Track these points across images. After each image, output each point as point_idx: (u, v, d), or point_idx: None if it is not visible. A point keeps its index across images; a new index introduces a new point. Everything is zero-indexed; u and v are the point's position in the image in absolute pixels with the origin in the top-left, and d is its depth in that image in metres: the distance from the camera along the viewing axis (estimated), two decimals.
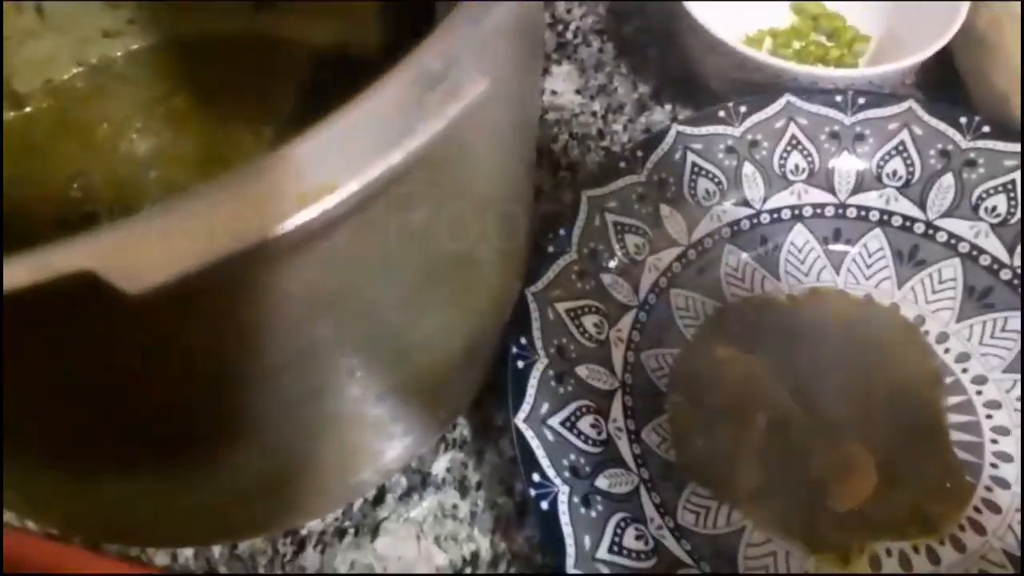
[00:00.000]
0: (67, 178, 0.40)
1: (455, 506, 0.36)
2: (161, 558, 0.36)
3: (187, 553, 0.36)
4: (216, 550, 0.36)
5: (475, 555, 0.35)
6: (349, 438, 0.30)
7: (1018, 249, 0.39)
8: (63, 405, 0.21)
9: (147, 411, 0.22)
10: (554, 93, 0.49)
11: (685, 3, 0.44)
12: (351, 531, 0.36)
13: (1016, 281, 0.38)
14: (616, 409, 0.35)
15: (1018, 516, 0.34)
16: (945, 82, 0.47)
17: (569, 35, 0.52)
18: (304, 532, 0.36)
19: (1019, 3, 0.43)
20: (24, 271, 0.14)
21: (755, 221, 0.41)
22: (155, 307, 0.15)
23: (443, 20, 0.17)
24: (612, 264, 0.38)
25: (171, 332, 0.18)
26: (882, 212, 0.41)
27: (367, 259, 0.20)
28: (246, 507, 0.31)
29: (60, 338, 0.17)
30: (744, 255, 0.40)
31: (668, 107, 0.48)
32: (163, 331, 0.18)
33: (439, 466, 0.37)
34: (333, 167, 0.15)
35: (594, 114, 0.48)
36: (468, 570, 0.35)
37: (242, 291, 0.17)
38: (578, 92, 0.49)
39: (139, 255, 0.14)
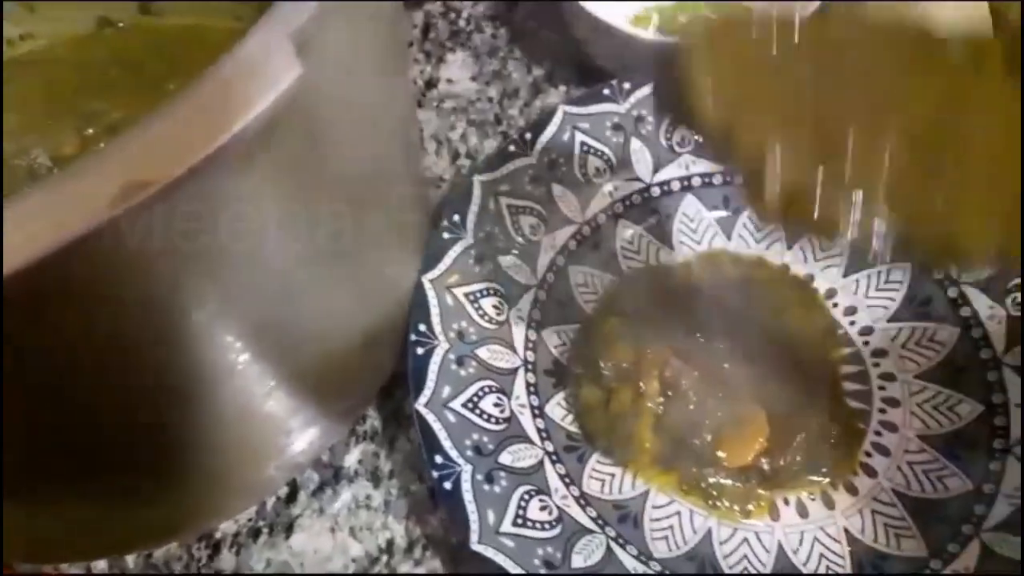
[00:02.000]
0: None
1: (368, 496, 0.37)
2: (75, 571, 0.35)
3: (101, 565, 0.35)
4: (130, 559, 0.35)
5: (390, 543, 0.36)
6: (247, 432, 0.30)
7: None
8: None
9: (22, 419, 0.22)
10: (450, 81, 0.49)
11: None
12: (265, 530, 0.36)
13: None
14: (519, 386, 0.36)
15: (906, 457, 0.36)
16: None
17: (462, 23, 0.52)
18: (219, 535, 0.36)
19: None
20: None
21: (646, 195, 0.42)
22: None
23: (264, 15, 0.17)
24: (508, 246, 0.39)
25: (26, 327, 0.18)
26: None
27: (222, 243, 0.20)
28: (153, 511, 0.32)
29: None
30: (637, 228, 0.41)
31: (562, 89, 0.49)
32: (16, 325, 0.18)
33: (351, 458, 0.38)
34: (148, 163, 0.16)
35: (490, 100, 0.49)
36: (384, 558, 0.35)
37: (89, 280, 0.17)
38: (473, 79, 0.50)
39: None
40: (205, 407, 0.26)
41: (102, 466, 0.27)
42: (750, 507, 0.34)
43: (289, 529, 0.36)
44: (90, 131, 0.42)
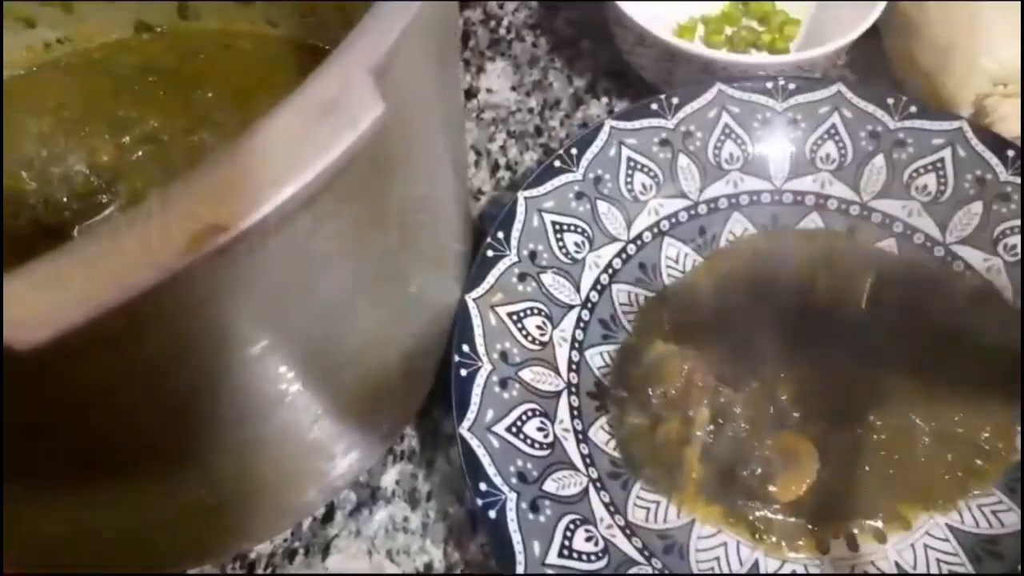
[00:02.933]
0: None
1: (406, 518, 0.36)
2: None
3: None
4: None
5: (428, 566, 0.35)
6: (290, 459, 0.29)
7: (950, 226, 0.39)
8: None
9: (68, 447, 0.22)
10: (489, 91, 0.49)
11: None
12: (301, 551, 0.35)
13: (949, 258, 0.39)
14: (563, 410, 0.35)
15: None
16: (874, 62, 0.47)
17: (502, 31, 0.51)
18: (253, 555, 0.35)
19: None
20: None
21: (693, 212, 0.41)
22: (51, 353, 0.14)
23: (339, 46, 0.17)
24: (552, 264, 0.38)
25: (74, 372, 0.17)
26: (818, 196, 0.41)
27: (284, 279, 0.19)
28: (189, 534, 0.31)
29: None
30: (683, 247, 0.40)
31: (604, 100, 0.48)
32: (65, 372, 0.17)
33: (388, 479, 0.37)
34: (223, 206, 0.15)
35: (531, 111, 0.48)
36: None
37: (144, 324, 0.17)
38: (513, 89, 0.49)
39: (19, 309, 0.14)
40: (253, 437, 0.25)
41: (145, 492, 0.26)
42: (799, 542, 0.33)
43: (325, 550, 0.35)
44: (126, 139, 0.41)
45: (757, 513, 0.33)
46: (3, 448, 0.20)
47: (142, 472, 0.25)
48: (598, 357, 0.38)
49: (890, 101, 0.40)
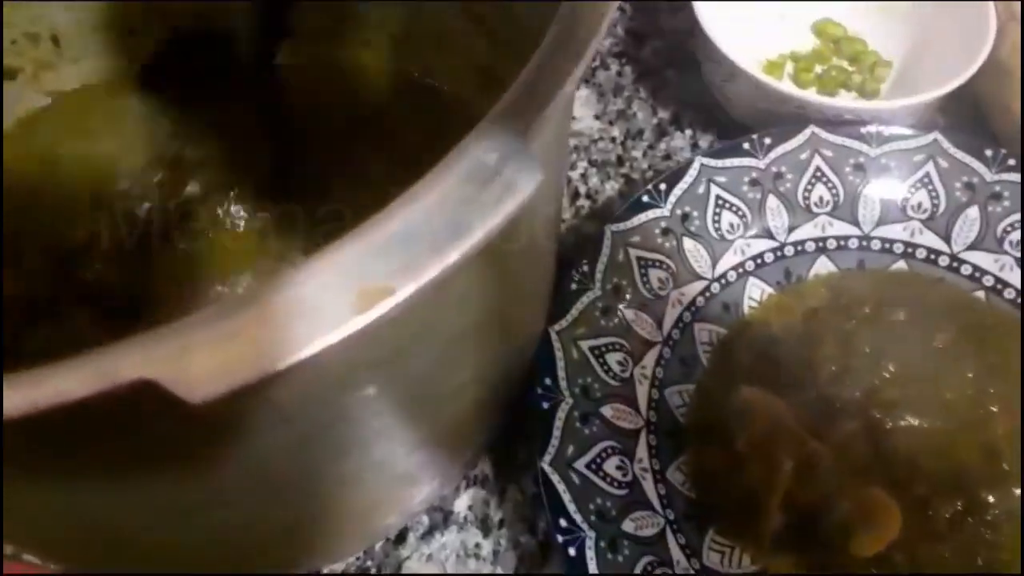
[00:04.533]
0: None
1: (478, 545, 0.36)
2: None
3: None
4: None
5: None
6: (379, 488, 0.29)
7: None
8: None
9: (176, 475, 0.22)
10: (573, 119, 0.49)
11: (705, 28, 0.44)
12: (373, 571, 0.35)
13: None
14: (641, 449, 0.35)
15: None
16: (966, 106, 0.46)
17: None
18: (326, 572, 0.36)
19: None
20: (83, 379, 0.14)
21: (779, 254, 0.40)
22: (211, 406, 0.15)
23: (496, 105, 0.17)
24: (636, 300, 0.38)
25: (214, 421, 0.18)
26: (906, 244, 0.40)
27: (406, 337, 0.20)
28: (268, 553, 0.31)
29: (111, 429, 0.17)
30: (768, 288, 0.40)
31: (688, 133, 0.48)
32: (207, 421, 0.18)
33: (461, 504, 0.37)
34: (388, 268, 0.15)
35: (613, 140, 0.48)
36: None
37: (289, 383, 0.17)
38: (597, 117, 0.49)
39: (196, 363, 0.14)
40: (351, 469, 0.25)
41: (229, 514, 0.27)
42: None
43: (397, 572, 0.36)
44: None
45: (834, 568, 0.33)
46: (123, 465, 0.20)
47: (240, 499, 0.25)
48: (677, 396, 0.37)
49: (988, 153, 0.40)
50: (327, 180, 0.40)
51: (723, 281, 0.40)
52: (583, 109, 0.49)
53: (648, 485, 0.34)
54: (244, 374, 0.14)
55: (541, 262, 0.31)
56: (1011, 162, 0.39)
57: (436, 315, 0.21)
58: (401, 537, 0.36)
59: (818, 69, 0.48)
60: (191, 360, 0.14)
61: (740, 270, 0.40)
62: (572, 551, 0.31)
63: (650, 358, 0.37)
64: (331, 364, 0.18)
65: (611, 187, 0.46)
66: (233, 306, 0.15)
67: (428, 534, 0.36)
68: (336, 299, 0.15)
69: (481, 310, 0.24)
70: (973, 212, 0.40)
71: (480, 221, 0.15)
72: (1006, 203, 0.39)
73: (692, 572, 0.33)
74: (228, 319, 0.14)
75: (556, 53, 0.17)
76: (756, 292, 0.40)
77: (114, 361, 0.14)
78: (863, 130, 0.41)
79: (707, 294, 0.39)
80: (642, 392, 0.37)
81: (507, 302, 0.27)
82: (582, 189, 0.46)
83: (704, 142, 0.48)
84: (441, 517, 0.37)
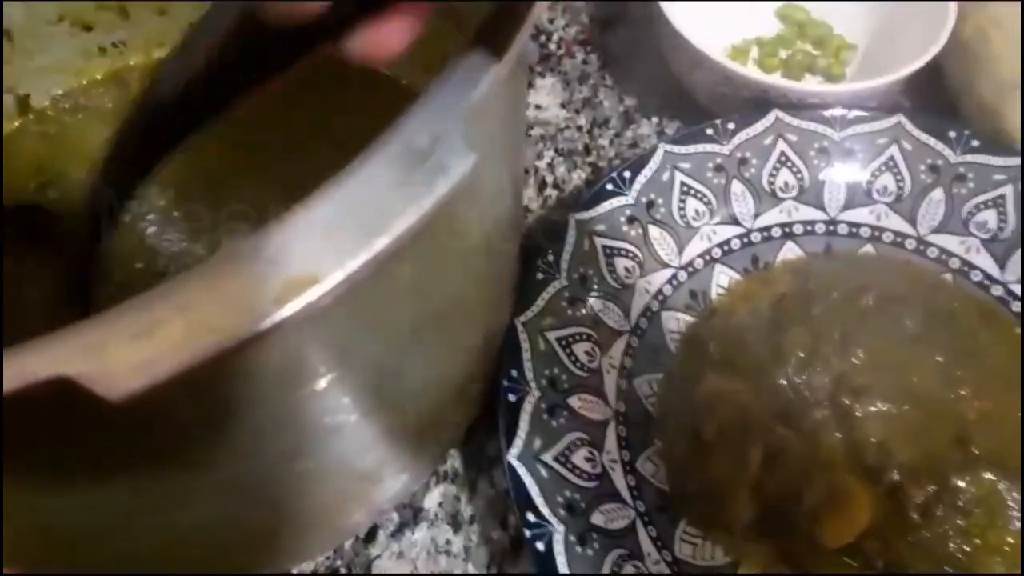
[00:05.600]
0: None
1: (448, 541, 0.36)
2: None
3: None
4: None
5: None
6: (343, 485, 0.29)
7: (1009, 264, 0.38)
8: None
9: (131, 477, 0.22)
10: (538, 108, 0.48)
11: (668, 15, 0.43)
12: (343, 571, 0.35)
13: (1007, 296, 0.38)
14: (610, 440, 0.35)
15: None
16: (932, 88, 0.46)
17: (552, 46, 0.51)
18: (295, 572, 0.35)
19: (1004, 12, 0.43)
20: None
21: (746, 240, 0.40)
22: (140, 400, 0.14)
23: (427, 90, 0.16)
24: (602, 289, 0.37)
25: (149, 415, 0.17)
26: (873, 228, 0.40)
27: (355, 327, 0.19)
28: (230, 554, 0.31)
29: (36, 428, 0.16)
30: (735, 275, 0.40)
31: (655, 120, 0.48)
32: (140, 415, 0.17)
33: (431, 500, 0.37)
34: (316, 254, 0.14)
35: (579, 128, 0.48)
36: None
37: (221, 375, 0.16)
38: (563, 106, 0.48)
39: (114, 358, 0.14)
40: (309, 466, 0.25)
41: (190, 513, 0.26)
42: None
43: (367, 570, 0.35)
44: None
45: (805, 557, 0.33)
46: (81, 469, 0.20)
47: (194, 500, 0.25)
48: (646, 385, 0.37)
49: (952, 134, 0.40)
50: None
51: (690, 269, 0.39)
52: (549, 98, 0.49)
53: (618, 477, 0.34)
54: (164, 367, 0.13)
55: (502, 252, 0.31)
56: (975, 143, 0.39)
57: (384, 305, 0.20)
58: (371, 535, 0.36)
59: (783, 54, 0.48)
60: (109, 355, 0.13)
61: (707, 257, 0.40)
62: (540, 545, 0.31)
63: (618, 348, 0.37)
64: (271, 356, 0.17)
65: (578, 176, 0.46)
66: (153, 298, 0.14)
67: (398, 531, 0.36)
68: (260, 289, 0.14)
69: (438, 300, 0.24)
70: (938, 194, 0.40)
71: (412, 204, 0.15)
72: (971, 185, 0.39)
73: (663, 564, 0.32)
74: (148, 311, 0.14)
75: (488, 35, 0.17)
76: (724, 279, 0.40)
77: (30, 359, 0.14)
78: (827, 114, 0.40)
79: (674, 282, 0.39)
80: (610, 382, 0.36)
81: (467, 293, 0.26)
82: (549, 179, 0.46)
83: (671, 129, 0.47)
84: (411, 514, 0.36)
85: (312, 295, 0.14)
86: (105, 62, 0.44)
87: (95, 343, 0.14)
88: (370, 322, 0.20)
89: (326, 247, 0.15)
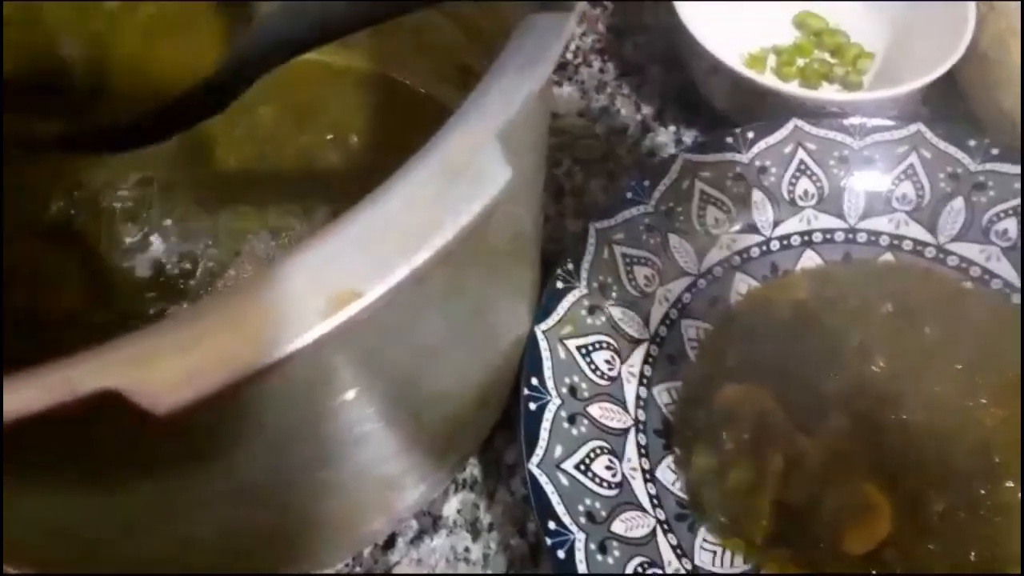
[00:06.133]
0: None
1: (467, 549, 0.36)
2: None
3: None
4: None
5: None
6: (363, 494, 0.29)
7: None
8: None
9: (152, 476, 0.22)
10: (556, 116, 0.48)
11: (686, 23, 0.43)
12: None
13: None
14: (630, 448, 0.35)
15: None
16: (950, 97, 0.46)
17: (569, 55, 0.51)
18: None
19: (1022, 21, 0.43)
20: (43, 391, 0.14)
21: (765, 248, 0.40)
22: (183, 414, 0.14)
23: (463, 106, 0.16)
24: (622, 297, 0.38)
25: (185, 426, 0.17)
26: (892, 237, 0.40)
27: (384, 339, 0.19)
28: (253, 559, 0.31)
29: (75, 439, 0.16)
30: (755, 283, 0.40)
31: (672, 128, 0.48)
32: (177, 427, 0.17)
33: (450, 508, 0.37)
34: (356, 269, 0.15)
35: (597, 137, 0.48)
36: None
37: (259, 388, 0.17)
38: (580, 115, 0.48)
39: (161, 372, 0.14)
40: (332, 475, 0.25)
41: (212, 520, 0.26)
42: None
43: None
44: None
45: (827, 566, 0.32)
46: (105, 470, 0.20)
47: (217, 505, 0.25)
48: (665, 394, 0.37)
49: (971, 143, 0.40)
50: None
51: (709, 277, 0.39)
52: (566, 106, 0.49)
53: (638, 485, 0.34)
54: (210, 381, 0.14)
55: (524, 261, 0.31)
56: (994, 151, 0.39)
57: (413, 315, 0.20)
58: (390, 542, 0.36)
59: (800, 62, 0.48)
60: (155, 368, 0.14)
61: (726, 265, 0.40)
62: (561, 553, 0.31)
63: (637, 356, 0.37)
64: (304, 369, 0.17)
65: (596, 184, 0.46)
66: (198, 312, 0.14)
67: (417, 539, 0.36)
68: (303, 303, 0.14)
69: (465, 309, 0.24)
70: (958, 203, 0.40)
71: (451, 218, 0.15)
72: (991, 193, 0.39)
73: (683, 572, 0.32)
74: (193, 325, 0.14)
75: (524, 51, 0.17)
76: (743, 287, 0.40)
77: (75, 371, 0.14)
78: (846, 122, 0.40)
79: (693, 290, 0.39)
80: (630, 390, 0.36)
81: (492, 302, 0.26)
82: (567, 187, 0.46)
83: (688, 137, 0.47)
84: (430, 521, 0.36)
85: (354, 309, 0.14)
86: None
87: (142, 356, 0.14)
88: (401, 333, 0.20)
89: (368, 261, 0.15)
